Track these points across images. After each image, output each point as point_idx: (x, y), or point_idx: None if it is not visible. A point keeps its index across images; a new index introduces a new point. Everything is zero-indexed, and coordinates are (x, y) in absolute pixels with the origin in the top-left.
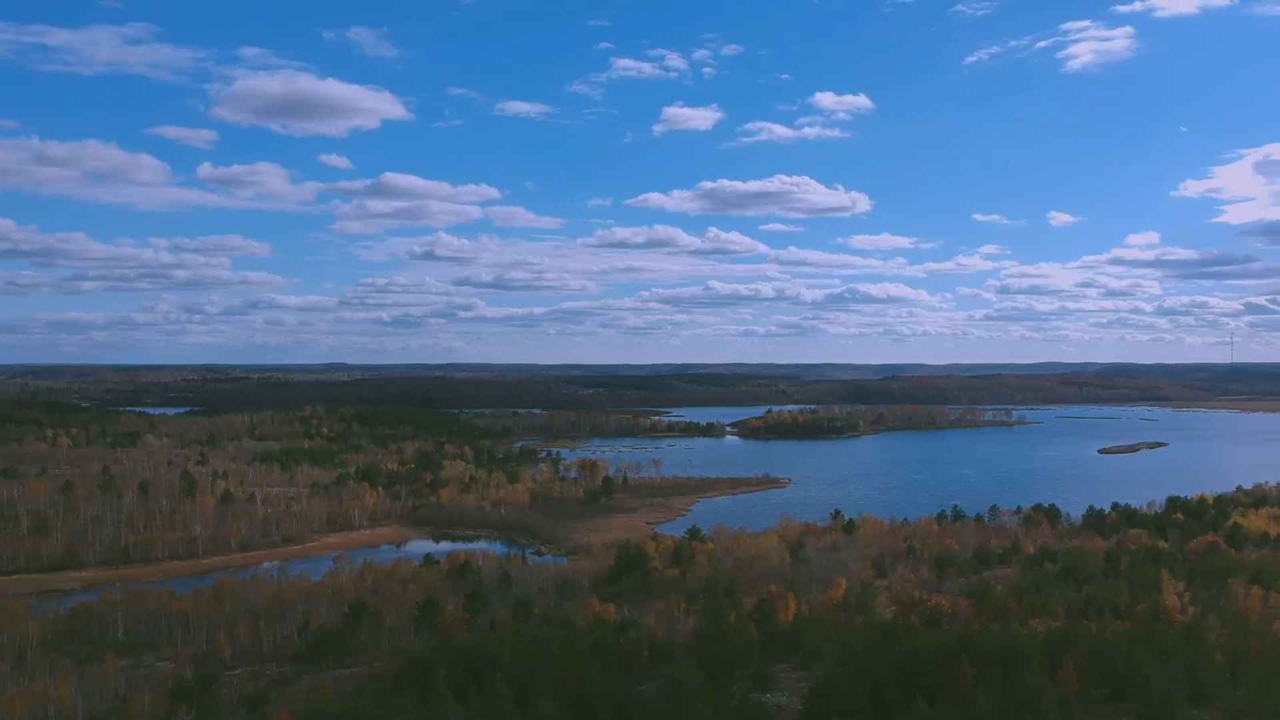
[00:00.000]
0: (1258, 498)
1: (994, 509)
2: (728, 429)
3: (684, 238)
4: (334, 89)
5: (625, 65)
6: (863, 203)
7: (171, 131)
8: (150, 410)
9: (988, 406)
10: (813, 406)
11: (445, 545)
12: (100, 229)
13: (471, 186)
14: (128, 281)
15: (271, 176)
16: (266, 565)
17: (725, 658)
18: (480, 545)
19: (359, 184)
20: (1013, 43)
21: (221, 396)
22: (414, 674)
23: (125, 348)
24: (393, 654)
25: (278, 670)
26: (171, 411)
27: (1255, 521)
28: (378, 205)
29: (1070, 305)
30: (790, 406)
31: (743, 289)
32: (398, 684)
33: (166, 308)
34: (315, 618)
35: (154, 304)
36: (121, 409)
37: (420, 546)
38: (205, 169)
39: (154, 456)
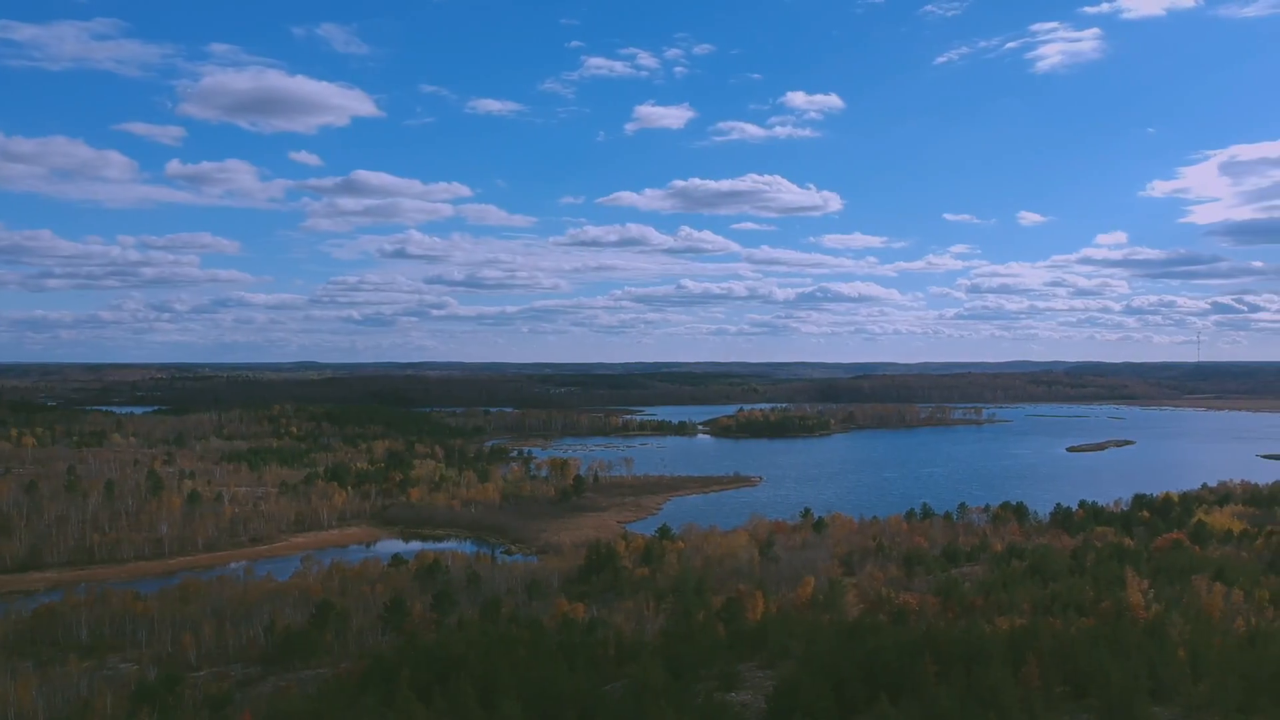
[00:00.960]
0: (1222, 495)
1: (963, 507)
2: (700, 427)
3: (656, 236)
4: (304, 86)
5: (597, 64)
6: (834, 202)
7: (139, 128)
8: (117, 409)
9: (958, 405)
10: (784, 405)
11: (415, 545)
12: (67, 226)
13: (443, 184)
14: (95, 279)
15: (241, 174)
16: (233, 565)
17: (691, 657)
18: (450, 545)
19: (329, 181)
20: (982, 43)
21: (190, 395)
22: (379, 675)
23: (92, 346)
24: (359, 654)
25: (243, 671)
26: (139, 411)
27: (1219, 519)
28: (348, 203)
29: (1040, 304)
30: (762, 405)
31: (715, 288)
32: (362, 685)
33: (134, 306)
34: (281, 618)
35: (122, 302)
36: (88, 408)
37: (389, 546)
38: (174, 166)
39: (120, 456)
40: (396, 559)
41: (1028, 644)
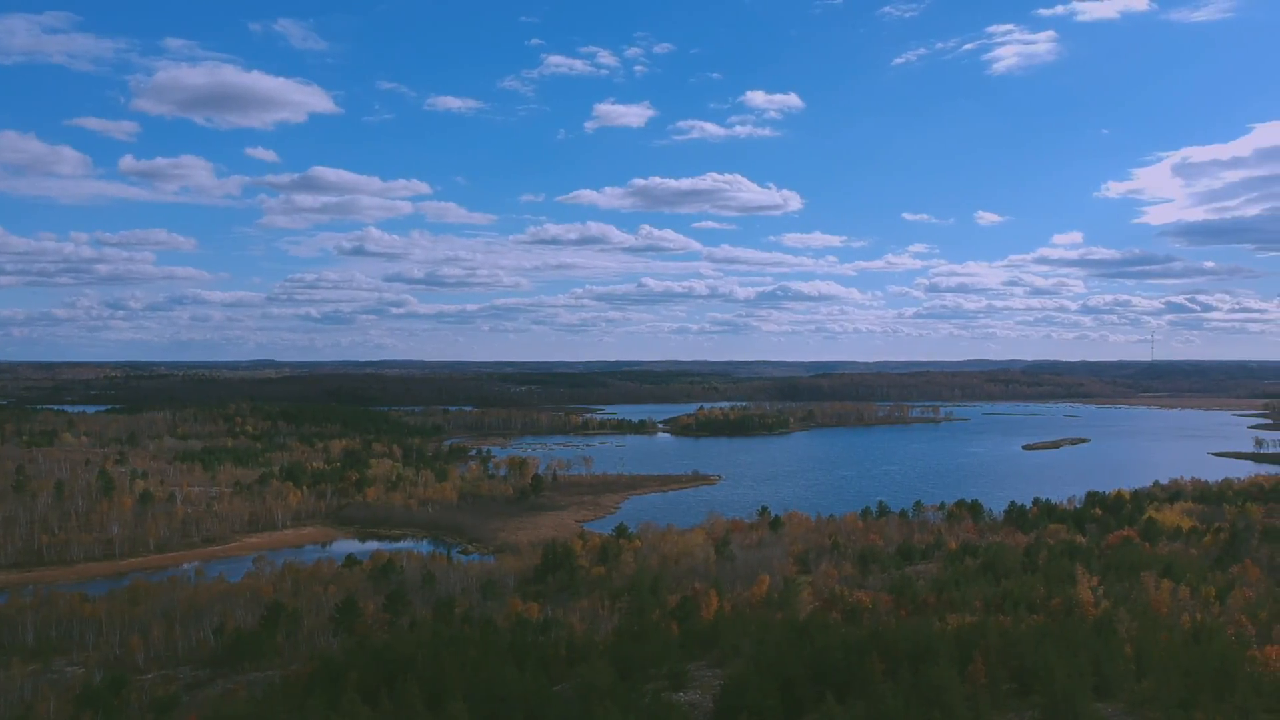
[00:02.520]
0: (1173, 492)
1: (918, 505)
2: (660, 426)
3: (617, 235)
4: (260, 81)
5: (557, 62)
6: (794, 201)
7: (92, 123)
8: (70, 408)
9: (916, 403)
10: (744, 404)
11: (370, 545)
12: (19, 222)
13: (402, 181)
14: (48, 276)
15: (196, 170)
16: (185, 566)
17: (642, 656)
18: (406, 544)
19: (286, 178)
20: (939, 45)
21: (145, 394)
22: (326, 676)
23: (45, 344)
24: (309, 656)
25: (191, 674)
26: (92, 409)
27: (1169, 516)
28: (306, 200)
29: (997, 304)
30: (722, 404)
31: (676, 286)
32: (310, 687)
33: (88, 303)
34: (232, 620)
35: (75, 299)
36: (39, 407)
37: (345, 546)
38: (127, 161)
39: (71, 455)
40: (351, 559)
41: (975, 642)
